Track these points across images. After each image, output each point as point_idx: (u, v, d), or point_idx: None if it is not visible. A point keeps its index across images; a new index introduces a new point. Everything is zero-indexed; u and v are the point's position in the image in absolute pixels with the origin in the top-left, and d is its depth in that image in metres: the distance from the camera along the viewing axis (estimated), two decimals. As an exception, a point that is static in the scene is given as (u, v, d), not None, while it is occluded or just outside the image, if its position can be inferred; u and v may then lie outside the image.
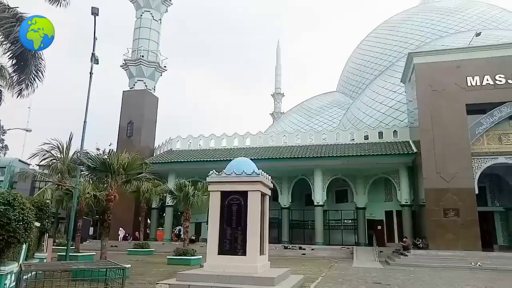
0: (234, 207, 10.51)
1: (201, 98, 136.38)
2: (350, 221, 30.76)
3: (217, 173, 10.91)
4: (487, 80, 22.99)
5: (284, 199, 30.94)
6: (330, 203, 31.77)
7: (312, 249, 26.48)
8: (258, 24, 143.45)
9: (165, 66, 39.60)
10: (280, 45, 76.05)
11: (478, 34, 24.41)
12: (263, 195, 11.11)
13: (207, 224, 11.29)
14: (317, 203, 28.51)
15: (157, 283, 9.72)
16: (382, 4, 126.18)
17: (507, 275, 15.98)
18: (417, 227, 26.07)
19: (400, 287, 11.58)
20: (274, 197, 30.85)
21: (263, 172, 11.03)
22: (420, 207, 24.96)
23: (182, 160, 30.44)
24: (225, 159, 26.36)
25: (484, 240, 22.91)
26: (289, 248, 27.03)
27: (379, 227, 29.73)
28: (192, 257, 18.22)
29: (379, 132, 29.77)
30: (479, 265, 18.96)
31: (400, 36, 41.19)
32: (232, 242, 10.26)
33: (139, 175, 16.35)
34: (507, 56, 23.12)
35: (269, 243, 11.87)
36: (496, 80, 22.85)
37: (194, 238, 30.44)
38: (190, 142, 34.08)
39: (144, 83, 37.48)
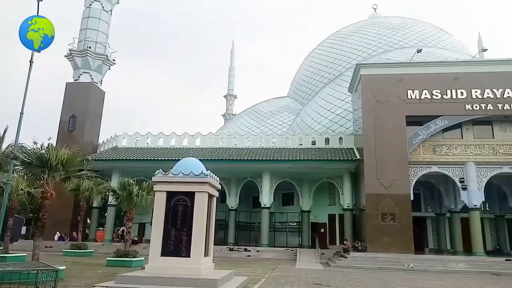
0: (180, 208, 10.32)
1: (152, 95, 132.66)
2: (295, 224, 31.49)
3: (163, 172, 10.66)
4: (425, 94, 24.72)
5: (232, 201, 30.96)
6: (276, 205, 32.32)
7: (257, 251, 26.74)
8: (214, 24, 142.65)
9: (114, 60, 38.01)
10: (235, 47, 75.95)
11: (419, 51, 26.16)
12: (210, 196, 11.03)
13: (151, 225, 10.97)
14: (264, 205, 28.86)
15: (93, 286, 9.27)
16: (334, 14, 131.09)
17: (436, 276, 17.25)
18: (357, 230, 27.29)
19: (339, 288, 12.05)
20: (222, 198, 30.80)
21: (211, 173, 10.95)
22: (360, 211, 26.17)
23: (128, 158, 29.36)
24: (173, 158, 25.82)
25: (417, 243, 24.53)
26: (234, 250, 27.07)
27: (322, 230, 30.73)
28: (134, 259, 17.61)
29: (325, 138, 30.83)
30: (411, 267, 20.24)
31: (349, 47, 43.03)
32: (177, 243, 10.06)
33: (79, 172, 15.52)
34: (443, 73, 25.04)
35: (214, 244, 11.82)
36: (433, 94, 24.64)
37: (136, 239, 29.47)
38: (137, 140, 33.01)
39: (90, 75, 35.72)
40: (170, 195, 10.38)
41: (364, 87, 25.92)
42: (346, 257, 22.42)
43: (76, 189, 23.57)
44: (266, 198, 28.88)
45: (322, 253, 24.86)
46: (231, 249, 27.21)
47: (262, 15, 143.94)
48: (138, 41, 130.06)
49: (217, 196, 11.77)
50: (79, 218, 27.72)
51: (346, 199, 28.11)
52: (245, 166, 28.44)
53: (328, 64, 43.74)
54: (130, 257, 17.67)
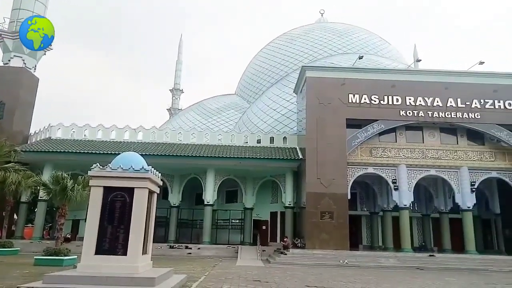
0: (117, 204, 9.90)
1: (96, 86, 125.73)
2: (237, 221, 31.65)
3: (101, 167, 10.16)
4: (365, 99, 26.06)
5: (174, 198, 30.35)
6: (220, 203, 32.24)
7: (199, 248, 26.51)
8: (162, 17, 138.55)
9: (51, 45, 35.37)
10: (183, 41, 74.45)
11: (360, 58, 27.48)
12: (151, 192, 10.73)
13: (86, 221, 10.40)
14: (207, 202, 28.67)
15: (18, 287, 8.59)
16: (282, 14, 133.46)
17: (368, 271, 18.30)
18: (297, 227, 28.10)
19: (277, 284, 12.30)
20: (164, 195, 30.11)
21: (153, 169, 10.64)
22: (301, 209, 26.97)
23: (62, 151, 27.55)
24: (112, 152, 24.78)
25: (352, 240, 25.84)
26: (175, 247, 26.61)
27: (264, 227, 31.21)
28: (66, 258, 16.59)
29: (270, 137, 31.34)
30: (346, 262, 21.28)
31: (296, 49, 44.10)
32: (113, 241, 9.65)
33: (6, 165, 14.28)
34: (381, 80, 26.57)
35: (154, 242, 11.53)
36: (372, 99, 26.05)
37: (69, 236, 27.84)
38: (73, 131, 31.10)
39: (23, 60, 32.93)
40: (108, 190, 9.94)
41: (308, 89, 26.71)
42: (286, 254, 22.99)
43: (2, 182, 21.65)
44: (210, 195, 28.71)
45: (263, 250, 25.26)
46: (171, 247, 26.70)
47: (211, 11, 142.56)
48: (82, 29, 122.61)
49: (158, 192, 11.47)
50: (3, 214, 25.49)
51: (288, 197, 28.77)
52: (190, 162, 28.00)
53: (276, 64, 44.47)
54: (61, 256, 16.63)
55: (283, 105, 35.84)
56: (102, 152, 26.67)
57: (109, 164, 10.26)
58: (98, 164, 10.25)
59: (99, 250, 9.49)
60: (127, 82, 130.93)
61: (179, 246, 27.08)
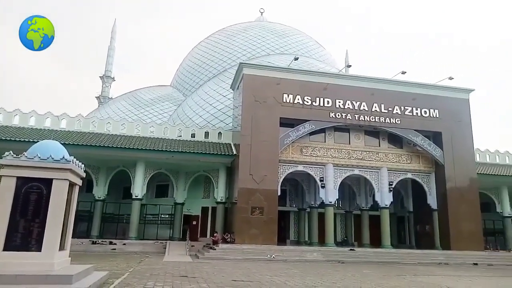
0: (33, 196, 9.16)
1: (15, 67, 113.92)
2: (167, 216, 30.92)
3: (14, 155, 9.28)
4: (298, 99, 26.95)
5: (100, 191, 28.75)
6: (149, 197, 31.25)
7: (124, 244, 25.47)
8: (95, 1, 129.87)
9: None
10: (117, 27, 70.58)
11: (296, 59, 28.32)
12: (72, 185, 10.08)
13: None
14: (136, 196, 27.62)
15: None
16: (222, 8, 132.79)
17: (293, 265, 19.01)
18: (228, 223, 28.23)
19: (204, 279, 12.25)
20: (88, 188, 28.44)
21: (75, 160, 9.98)
22: (232, 204, 27.15)
23: (-30, 136, 24.64)
24: (30, 140, 22.78)
25: (281, 235, 26.64)
26: (98, 243, 25.28)
27: (194, 223, 30.88)
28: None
29: (205, 132, 31.03)
30: (273, 257, 21.89)
31: (235, 45, 44.15)
32: (26, 236, 8.92)
33: None
34: (314, 82, 27.64)
35: (76, 237, 10.89)
36: (305, 100, 27.02)
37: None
38: (-16, 116, 27.95)
39: None
40: (22, 181, 9.16)
41: (245, 86, 26.92)
42: (215, 249, 23.01)
43: None
44: (139, 189, 27.69)
45: (192, 246, 25.00)
46: (94, 242, 25.32)
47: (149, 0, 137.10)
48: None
49: (80, 184, 10.80)
50: None
51: (220, 193, 28.75)
52: (118, 154, 26.62)
53: (214, 59, 44.11)
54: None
55: (219, 100, 35.69)
56: (17, 139, 24.30)
57: (25, 153, 9.43)
58: (11, 152, 9.35)
59: (9, 246, 8.72)
60: (55, 67, 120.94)
61: (102, 241, 25.75)
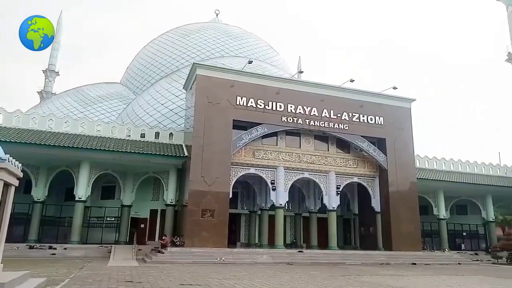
0: (-40, 198, 8.35)
1: None
2: (113, 219, 29.64)
3: None
4: (251, 102, 27.13)
5: (39, 192, 26.97)
6: (94, 199, 29.81)
7: (65, 249, 24.09)
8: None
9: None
10: (63, 19, 66.86)
11: (250, 62, 28.52)
12: (7, 185, 9.35)
13: None
14: (79, 198, 26.24)
15: None
16: (176, 6, 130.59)
17: (242, 268, 19.03)
18: (178, 226, 27.67)
19: (151, 284, 11.89)
20: (26, 189, 26.59)
21: (11, 158, 9.27)
22: (183, 207, 26.67)
23: None
24: (-40, 136, 20.85)
25: (231, 238, 26.56)
26: (36, 248, 23.74)
27: (142, 226, 29.91)
28: None
29: (156, 132, 30.18)
30: (223, 260, 21.77)
31: (189, 45, 43.56)
32: (-50, 241, 8.10)
33: None
34: (268, 86, 27.99)
35: (10, 242, 10.03)
36: (258, 104, 27.25)
37: None
38: None
39: None
40: None
41: (198, 86, 26.62)
42: (163, 253, 22.44)
43: None
44: (82, 190, 26.33)
45: (139, 249, 24.20)
46: (31, 247, 23.73)
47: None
48: None
49: (17, 185, 10.05)
50: None
51: (170, 195, 28.11)
52: (60, 153, 25.08)
53: (167, 57, 43.21)
54: None
55: (171, 100, 34.98)
56: None
57: (-48, 150, 8.61)
58: None
59: None
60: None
61: (41, 246, 24.17)
